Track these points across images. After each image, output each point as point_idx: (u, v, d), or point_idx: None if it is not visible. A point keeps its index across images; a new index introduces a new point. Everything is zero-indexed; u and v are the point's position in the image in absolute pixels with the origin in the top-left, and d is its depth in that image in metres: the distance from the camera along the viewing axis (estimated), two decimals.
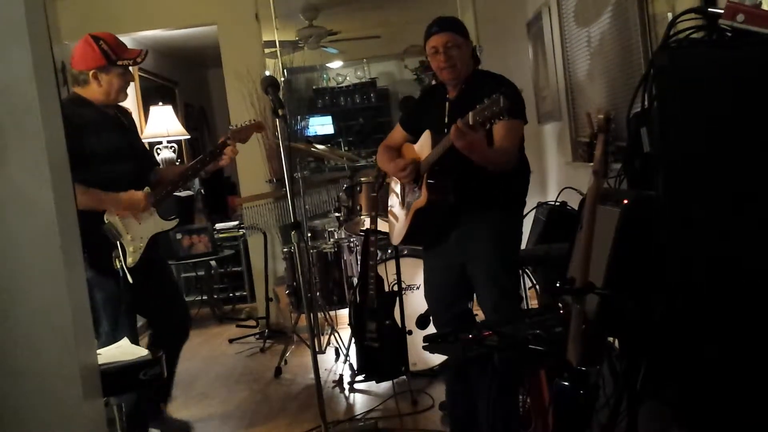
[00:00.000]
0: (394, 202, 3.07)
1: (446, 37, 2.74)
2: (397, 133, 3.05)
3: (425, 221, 2.79)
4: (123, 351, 2.74)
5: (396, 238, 3.02)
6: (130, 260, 3.13)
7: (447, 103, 2.82)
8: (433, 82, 2.93)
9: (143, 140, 3.61)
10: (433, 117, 2.82)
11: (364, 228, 3.83)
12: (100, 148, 3.10)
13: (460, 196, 2.73)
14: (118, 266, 3.09)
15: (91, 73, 3.10)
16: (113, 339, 3.15)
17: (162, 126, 5.95)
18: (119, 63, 3.10)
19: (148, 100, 6.47)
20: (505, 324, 2.11)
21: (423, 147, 2.78)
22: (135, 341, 3.24)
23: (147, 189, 3.20)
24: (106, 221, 3.13)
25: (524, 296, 3.92)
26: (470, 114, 2.35)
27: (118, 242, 3.12)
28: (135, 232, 3.17)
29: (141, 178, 3.24)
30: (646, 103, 1.71)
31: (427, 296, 2.99)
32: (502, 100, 2.23)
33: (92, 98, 3.15)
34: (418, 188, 2.78)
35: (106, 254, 3.09)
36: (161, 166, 3.62)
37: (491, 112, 2.28)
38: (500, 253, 2.74)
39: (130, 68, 3.19)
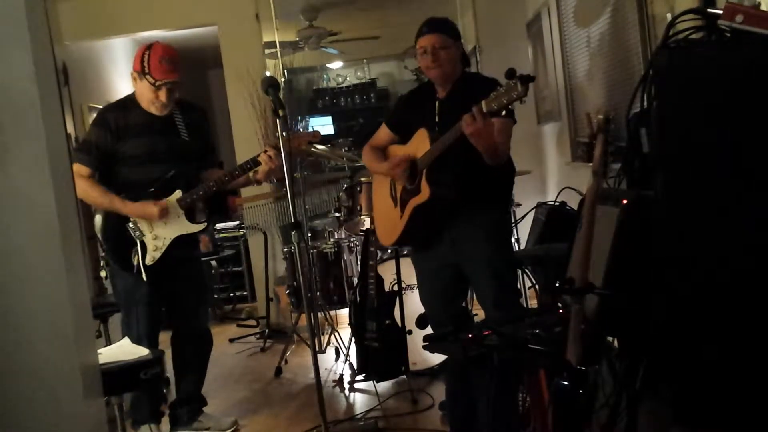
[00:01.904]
0: (382, 203, 3.06)
1: (435, 38, 2.77)
2: (383, 133, 3.04)
3: (425, 218, 2.79)
4: (123, 350, 2.75)
5: (388, 239, 3.01)
6: (149, 258, 3.25)
7: (437, 103, 2.83)
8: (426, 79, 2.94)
9: None
10: (423, 117, 2.82)
11: (364, 228, 3.83)
12: (131, 151, 3.24)
13: (463, 193, 2.74)
14: (135, 263, 3.23)
15: (132, 74, 3.27)
16: (127, 328, 3.30)
17: None
18: (146, 77, 3.20)
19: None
20: (504, 324, 2.11)
21: (418, 145, 2.78)
22: (155, 334, 3.34)
23: (177, 192, 3.30)
24: (132, 219, 3.26)
25: (524, 295, 3.93)
26: (483, 102, 2.36)
27: (139, 241, 3.25)
28: (159, 232, 3.28)
29: (174, 182, 3.31)
30: (645, 103, 1.71)
31: (422, 298, 3.00)
32: (519, 84, 2.22)
33: (138, 99, 3.30)
34: (414, 185, 2.79)
35: (128, 250, 3.25)
36: (217, 168, 3.65)
37: (509, 98, 2.27)
38: (497, 249, 2.76)
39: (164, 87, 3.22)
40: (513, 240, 3.88)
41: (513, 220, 3.71)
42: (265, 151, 3.25)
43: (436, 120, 2.78)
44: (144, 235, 3.25)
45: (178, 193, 3.30)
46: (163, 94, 3.22)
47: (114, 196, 3.22)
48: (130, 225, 3.25)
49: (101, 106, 3.58)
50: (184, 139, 3.35)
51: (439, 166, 2.69)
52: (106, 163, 3.24)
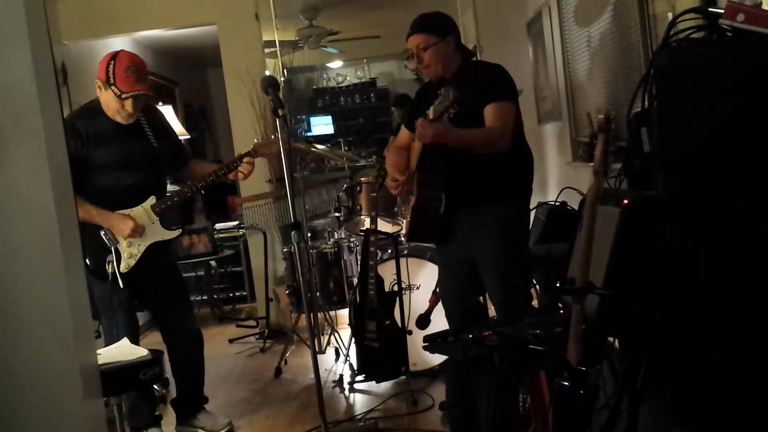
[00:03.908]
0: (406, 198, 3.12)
1: (417, 39, 2.79)
2: (402, 133, 3.09)
3: (420, 219, 2.85)
4: (123, 351, 2.75)
5: (404, 236, 3.13)
6: (123, 266, 3.22)
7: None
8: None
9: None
10: (424, 112, 2.85)
11: (364, 228, 3.83)
12: (102, 159, 3.18)
13: (460, 191, 2.75)
14: (110, 271, 3.19)
15: (96, 82, 3.20)
16: (109, 333, 3.27)
17: None
18: (111, 88, 3.13)
19: (147, 100, 6.46)
20: (505, 324, 2.11)
21: (415, 146, 2.82)
22: (135, 338, 3.31)
23: (152, 199, 3.27)
24: (106, 226, 3.21)
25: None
26: (431, 109, 2.50)
27: (113, 248, 3.21)
28: (134, 239, 3.24)
29: (148, 188, 3.28)
30: (646, 103, 1.70)
31: (440, 291, 3.06)
32: (451, 93, 2.42)
33: (103, 108, 3.23)
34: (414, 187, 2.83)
35: (102, 257, 3.20)
36: (191, 161, 3.64)
37: (444, 107, 2.45)
38: (506, 249, 2.75)
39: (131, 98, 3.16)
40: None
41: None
42: (240, 162, 3.28)
43: None
44: (118, 242, 3.21)
45: (152, 200, 3.26)
46: (129, 105, 3.16)
47: (90, 206, 3.15)
48: (104, 232, 3.20)
49: None
50: (153, 144, 3.32)
51: (427, 168, 2.73)
52: (77, 171, 3.15)
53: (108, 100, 3.18)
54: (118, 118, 3.20)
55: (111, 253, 3.20)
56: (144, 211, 3.25)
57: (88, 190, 3.16)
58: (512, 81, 2.77)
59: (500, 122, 2.65)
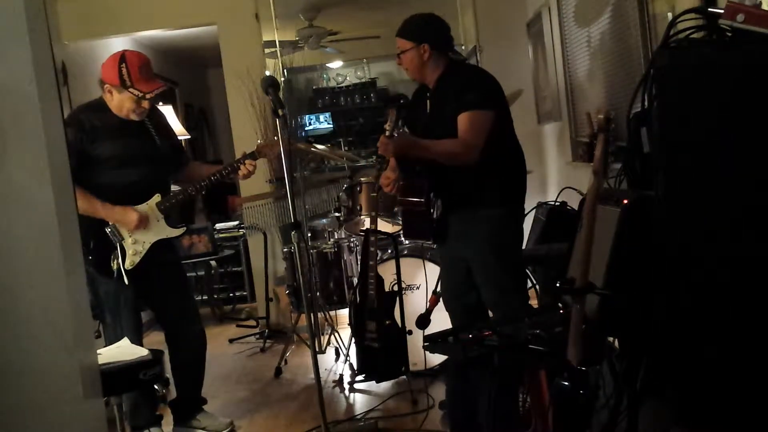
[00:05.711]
0: None
1: (397, 42, 2.88)
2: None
3: (411, 221, 2.94)
4: (123, 351, 2.75)
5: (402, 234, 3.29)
6: (128, 262, 3.22)
7: (428, 98, 2.88)
8: None
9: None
10: (420, 113, 2.92)
11: (364, 228, 3.83)
12: (107, 154, 3.18)
13: (449, 194, 2.78)
14: (115, 268, 3.19)
15: (106, 86, 3.19)
16: (114, 331, 3.26)
17: None
18: (130, 90, 3.13)
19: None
20: (505, 324, 2.11)
21: None
22: (139, 336, 3.31)
23: (157, 196, 3.27)
24: (110, 223, 3.22)
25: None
26: (387, 124, 2.70)
27: (118, 244, 3.22)
28: (138, 236, 3.25)
29: (153, 186, 3.28)
30: (646, 103, 1.71)
31: (440, 288, 3.10)
32: (394, 114, 2.69)
33: (113, 108, 3.23)
34: None
35: (106, 254, 3.20)
36: (190, 163, 3.65)
37: (392, 122, 2.71)
38: (497, 251, 2.76)
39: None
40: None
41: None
42: (244, 162, 3.27)
43: (428, 113, 2.86)
44: (123, 239, 3.22)
45: (157, 197, 3.27)
46: (147, 103, 3.18)
47: (94, 200, 3.15)
48: (109, 229, 3.21)
49: None
50: (157, 143, 3.33)
51: (407, 175, 2.84)
52: (81, 165, 3.13)
53: (122, 102, 3.17)
54: (133, 116, 3.21)
55: (116, 249, 3.21)
56: (149, 208, 3.25)
57: (94, 186, 3.17)
58: (490, 86, 2.77)
59: (469, 134, 2.67)
